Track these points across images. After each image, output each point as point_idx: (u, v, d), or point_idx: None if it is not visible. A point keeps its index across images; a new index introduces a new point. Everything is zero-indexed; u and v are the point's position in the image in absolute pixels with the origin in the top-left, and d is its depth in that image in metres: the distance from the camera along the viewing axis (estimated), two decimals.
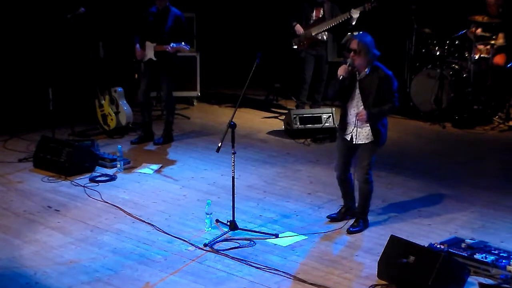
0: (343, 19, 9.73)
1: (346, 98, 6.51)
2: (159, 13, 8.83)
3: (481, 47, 10.14)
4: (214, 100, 11.55)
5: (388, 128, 6.77)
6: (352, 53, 6.33)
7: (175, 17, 8.81)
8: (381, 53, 6.48)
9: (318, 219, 6.92)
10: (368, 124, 6.45)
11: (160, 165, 8.40)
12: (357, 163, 6.64)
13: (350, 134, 6.53)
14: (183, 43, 8.69)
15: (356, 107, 6.46)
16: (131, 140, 9.28)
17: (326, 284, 5.67)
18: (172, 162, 8.56)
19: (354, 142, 6.54)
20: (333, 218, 6.87)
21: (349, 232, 6.64)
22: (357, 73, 6.43)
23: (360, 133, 6.49)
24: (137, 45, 8.92)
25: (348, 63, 6.38)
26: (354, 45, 6.32)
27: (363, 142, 6.52)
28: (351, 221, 6.76)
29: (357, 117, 6.40)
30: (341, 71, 6.38)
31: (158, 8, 8.84)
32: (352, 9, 9.61)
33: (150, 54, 8.87)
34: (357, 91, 6.43)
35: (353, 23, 9.62)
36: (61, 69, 9.93)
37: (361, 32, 6.44)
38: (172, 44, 8.66)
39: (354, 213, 6.82)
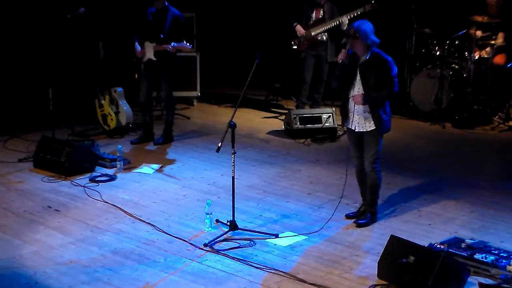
0: (335, 23, 9.75)
1: (348, 84, 6.59)
2: (158, 13, 8.83)
3: (478, 52, 10.14)
4: (214, 100, 11.55)
5: None
6: (349, 39, 6.45)
7: (173, 17, 8.80)
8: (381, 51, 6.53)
9: (318, 219, 6.91)
10: (368, 111, 6.50)
11: (160, 165, 8.40)
12: (364, 154, 6.68)
13: (352, 122, 6.59)
14: (184, 42, 8.69)
15: (357, 92, 6.52)
16: (131, 140, 9.28)
17: (326, 284, 5.67)
18: (172, 162, 8.57)
19: (356, 130, 6.59)
20: (351, 217, 6.87)
21: (357, 224, 6.69)
22: (358, 59, 6.51)
23: (360, 120, 6.56)
24: (136, 44, 8.92)
25: (346, 48, 6.49)
26: (351, 31, 6.46)
27: (365, 130, 6.57)
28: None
29: (353, 99, 6.50)
30: (341, 55, 6.56)
31: (157, 8, 8.84)
32: (352, 11, 9.62)
33: (149, 54, 8.87)
34: (358, 76, 6.51)
35: (345, 28, 9.64)
36: (61, 69, 9.93)
37: (360, 20, 6.57)
38: (173, 43, 8.67)
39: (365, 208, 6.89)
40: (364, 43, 6.41)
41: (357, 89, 6.52)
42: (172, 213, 7.07)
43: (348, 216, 6.89)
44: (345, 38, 6.56)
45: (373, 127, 6.55)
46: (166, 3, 8.82)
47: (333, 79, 6.72)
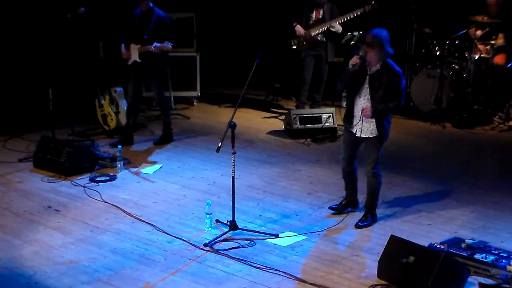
0: (343, 20, 9.75)
1: (354, 91, 6.58)
2: (143, 14, 8.76)
3: (481, 47, 10.15)
4: (214, 100, 11.55)
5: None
6: (365, 46, 6.38)
7: (158, 19, 8.72)
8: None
9: (318, 219, 6.92)
10: (373, 119, 6.51)
11: (160, 165, 8.40)
12: (365, 159, 6.71)
13: (355, 127, 6.61)
14: (166, 42, 8.63)
15: (364, 101, 6.52)
16: (110, 142, 9.11)
17: (326, 284, 5.67)
18: (172, 162, 8.56)
19: (358, 136, 6.62)
20: (334, 209, 6.99)
21: (357, 226, 6.71)
22: (368, 68, 6.48)
23: (364, 127, 6.57)
24: (122, 46, 8.88)
25: (360, 54, 6.43)
26: (368, 38, 6.37)
27: (367, 137, 6.59)
28: (352, 217, 6.82)
29: (362, 113, 6.49)
30: (352, 61, 6.45)
31: (142, 10, 8.76)
32: (353, 11, 9.61)
33: (134, 56, 8.80)
34: (366, 85, 6.49)
35: (339, 32, 9.65)
36: (61, 69, 9.93)
37: (378, 28, 6.48)
38: (155, 43, 8.61)
39: (356, 206, 6.97)
40: (379, 53, 6.38)
41: (363, 97, 6.51)
42: (172, 213, 7.07)
43: (331, 208, 7.00)
44: (360, 44, 6.50)
45: (375, 134, 6.56)
46: (151, 4, 8.76)
47: (340, 82, 6.67)
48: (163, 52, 8.87)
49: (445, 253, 5.65)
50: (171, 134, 9.33)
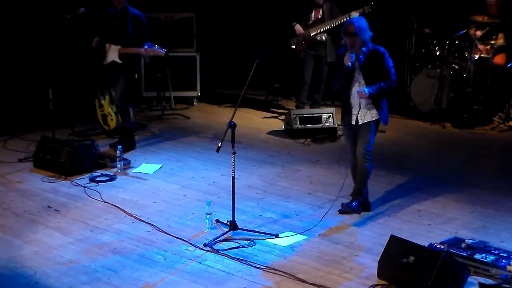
0: (342, 21, 9.72)
1: (348, 82, 6.75)
2: (119, 14, 8.60)
3: (481, 47, 10.14)
4: (214, 100, 11.55)
5: (388, 128, 6.83)
6: (350, 36, 6.59)
7: (134, 18, 8.58)
8: None
9: (318, 219, 6.90)
10: (371, 103, 6.69)
11: (160, 165, 8.40)
12: (357, 141, 6.84)
13: (356, 116, 6.77)
14: (156, 46, 8.47)
15: (359, 87, 6.70)
16: (109, 143, 9.07)
17: (326, 284, 5.67)
18: (172, 162, 8.56)
19: (359, 124, 6.77)
20: (343, 212, 6.99)
21: (340, 212, 6.88)
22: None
23: (366, 114, 6.75)
24: (96, 40, 8.74)
25: (348, 54, 6.63)
26: (352, 29, 6.59)
27: (367, 121, 6.77)
28: (352, 217, 6.87)
29: (358, 96, 6.66)
30: (347, 60, 6.63)
31: (117, 9, 8.61)
32: (352, 11, 9.61)
33: (113, 56, 8.66)
34: (358, 72, 6.70)
35: None
36: (61, 69, 9.92)
37: (355, 17, 6.73)
38: (146, 45, 8.42)
39: (368, 208, 7.02)
40: (362, 40, 6.60)
41: (358, 84, 6.70)
42: (172, 213, 7.07)
43: (341, 211, 6.99)
44: (342, 35, 6.65)
45: (375, 117, 6.74)
46: (126, 4, 8.60)
47: (336, 82, 6.87)
48: (141, 58, 8.70)
49: (445, 253, 5.65)
50: (133, 142, 8.98)
